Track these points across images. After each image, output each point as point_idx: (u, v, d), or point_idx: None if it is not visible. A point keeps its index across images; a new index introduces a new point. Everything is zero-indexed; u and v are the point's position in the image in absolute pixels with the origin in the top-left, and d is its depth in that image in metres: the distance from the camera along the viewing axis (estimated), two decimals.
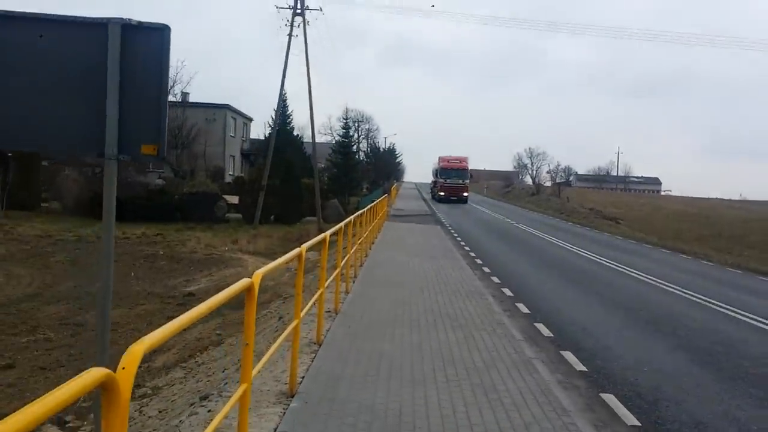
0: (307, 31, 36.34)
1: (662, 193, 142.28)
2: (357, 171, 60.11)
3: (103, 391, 2.24)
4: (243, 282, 4.12)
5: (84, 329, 14.64)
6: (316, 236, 29.85)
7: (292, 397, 6.32)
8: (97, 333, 5.19)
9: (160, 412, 8.11)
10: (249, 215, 38.12)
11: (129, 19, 4.22)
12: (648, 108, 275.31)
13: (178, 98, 53.20)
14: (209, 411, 6.24)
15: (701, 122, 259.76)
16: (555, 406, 6.61)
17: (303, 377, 6.92)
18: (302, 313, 6.73)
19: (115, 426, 2.23)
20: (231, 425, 5.11)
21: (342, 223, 11.82)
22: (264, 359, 5.04)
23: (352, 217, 14.87)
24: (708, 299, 14.78)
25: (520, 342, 9.40)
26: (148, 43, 4.25)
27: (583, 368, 8.53)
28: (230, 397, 6.16)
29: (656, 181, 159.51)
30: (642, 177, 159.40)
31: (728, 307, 13.87)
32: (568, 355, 9.11)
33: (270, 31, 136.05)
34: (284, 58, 36.12)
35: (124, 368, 2.37)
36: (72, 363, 11.86)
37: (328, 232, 9.45)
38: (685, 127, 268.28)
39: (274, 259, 21.67)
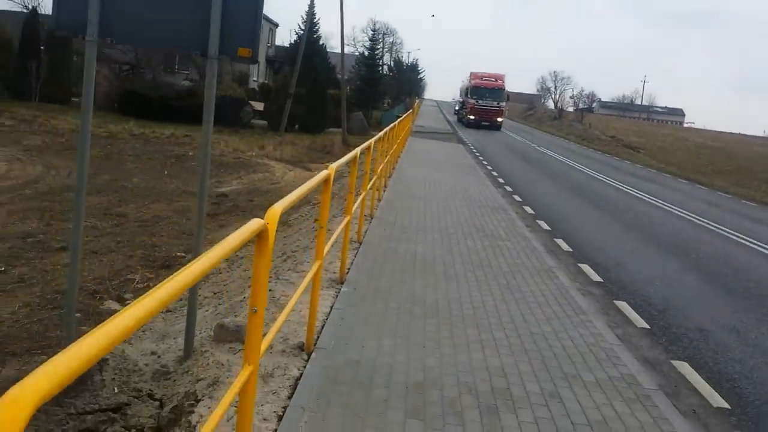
0: None
1: (685, 125, 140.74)
2: (381, 84, 59.85)
3: (258, 238, 2.95)
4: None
5: (126, 219, 15.51)
6: (341, 147, 30.60)
7: (342, 284, 7.11)
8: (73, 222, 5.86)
9: (214, 293, 8.96)
10: (274, 122, 38.58)
11: None
12: (679, 38, 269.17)
13: None
14: (270, 290, 7.03)
15: (731, 57, 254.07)
16: (573, 307, 7.37)
17: (349, 269, 7.70)
18: (350, 216, 7.44)
19: (263, 258, 2.96)
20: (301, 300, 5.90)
21: (373, 139, 12.37)
22: (329, 244, 5.77)
23: (381, 133, 15.41)
24: (721, 227, 15.42)
25: (541, 253, 10.13)
26: None
27: (599, 279, 9.28)
28: (287, 279, 6.97)
29: (680, 113, 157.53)
30: (666, 108, 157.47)
31: (740, 235, 14.52)
32: (586, 268, 9.85)
33: None
34: None
35: (268, 223, 3.05)
36: (121, 249, 12.72)
37: (358, 149, 9.91)
38: (714, 61, 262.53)
39: (300, 166, 22.50)
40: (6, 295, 9.87)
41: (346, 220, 7.10)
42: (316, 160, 29.88)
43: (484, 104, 51.84)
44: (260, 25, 4.92)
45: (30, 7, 42.98)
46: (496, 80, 53.51)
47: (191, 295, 5.52)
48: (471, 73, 55.91)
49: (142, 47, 35.01)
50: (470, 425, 4.30)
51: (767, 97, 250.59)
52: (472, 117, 52.63)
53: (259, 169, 26.50)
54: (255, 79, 58.53)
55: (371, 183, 10.80)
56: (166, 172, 23.41)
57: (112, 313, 8.91)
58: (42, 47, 38.03)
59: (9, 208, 15.51)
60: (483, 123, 51.56)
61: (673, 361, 6.36)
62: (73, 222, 5.50)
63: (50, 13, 4.93)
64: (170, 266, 11.95)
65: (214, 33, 4.80)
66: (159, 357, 5.34)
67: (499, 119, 52.68)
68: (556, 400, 4.82)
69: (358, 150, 7.48)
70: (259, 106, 42.19)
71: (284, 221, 15.61)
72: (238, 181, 23.42)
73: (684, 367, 6.22)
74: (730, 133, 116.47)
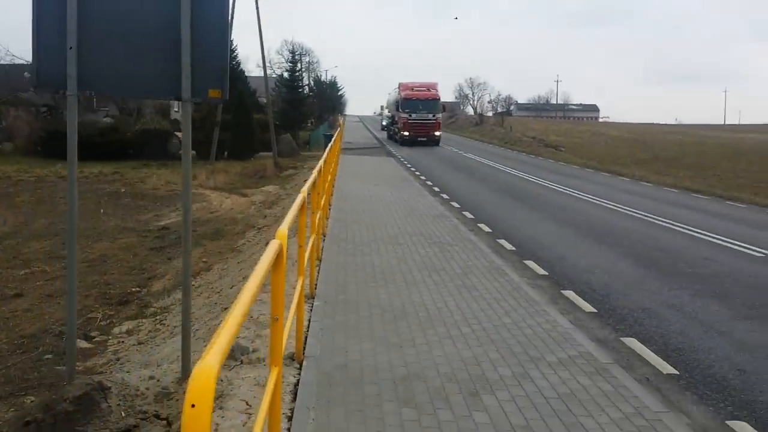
0: None
1: (600, 120, 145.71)
2: (304, 105, 60.22)
3: (277, 256, 3.41)
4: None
5: None
6: (273, 170, 30.56)
7: (313, 298, 7.55)
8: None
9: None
10: (202, 152, 38.45)
11: None
12: (587, 36, 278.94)
13: None
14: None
15: (636, 50, 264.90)
16: (526, 299, 8.00)
17: (316, 285, 8.14)
18: (315, 234, 7.90)
19: (280, 272, 3.43)
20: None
21: (321, 160, 12.78)
22: (304, 261, 6.22)
23: (324, 153, 15.85)
24: (647, 214, 16.45)
25: (488, 254, 10.78)
26: (210, 3, 5.24)
27: (544, 272, 9.96)
28: (261, 299, 7.36)
29: (594, 108, 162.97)
30: (580, 104, 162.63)
31: (665, 220, 15.54)
32: (530, 263, 10.53)
33: None
34: None
35: (281, 243, 3.50)
36: (77, 291, 12.77)
37: (315, 170, 10.37)
38: (622, 56, 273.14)
39: (236, 193, 22.62)
40: None
41: (312, 237, 7.55)
42: (250, 186, 30.05)
43: (418, 118, 45.90)
44: (227, 66, 5.35)
45: None
46: (429, 90, 48.02)
47: (185, 319, 5.88)
48: (400, 84, 49.63)
49: (119, 97, 34.94)
50: (457, 407, 4.82)
51: (673, 86, 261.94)
52: (406, 134, 46.31)
53: (196, 199, 26.48)
54: (176, 110, 58.18)
55: (323, 201, 11.25)
56: (102, 211, 23.27)
57: (83, 351, 9.04)
58: None
59: None
60: (419, 139, 45.93)
61: (622, 338, 7.02)
62: (68, 266, 5.79)
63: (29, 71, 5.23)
64: (128, 302, 12.12)
65: (186, 78, 5.20)
66: (158, 381, 5.67)
67: (437, 133, 47.26)
68: (528, 380, 5.38)
69: (315, 173, 7.94)
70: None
71: (233, 247, 15.92)
72: (176, 213, 23.39)
73: (633, 343, 6.88)
74: (644, 123, 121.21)
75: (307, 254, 6.79)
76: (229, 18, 5.34)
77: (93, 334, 10.29)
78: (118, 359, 8.48)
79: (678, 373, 6.11)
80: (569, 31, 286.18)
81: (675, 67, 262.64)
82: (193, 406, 1.58)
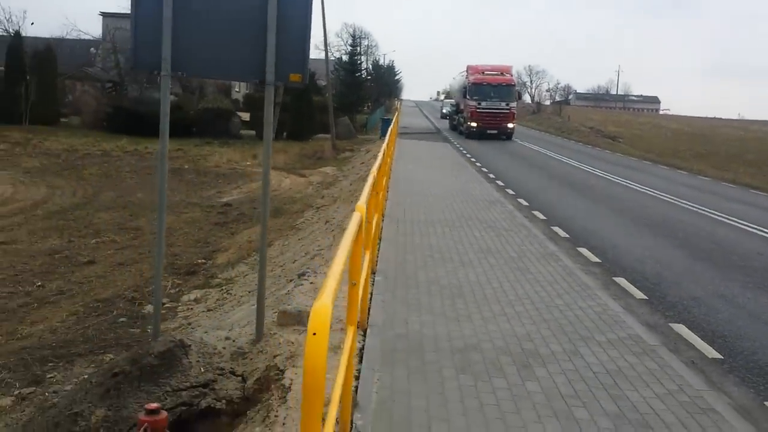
0: None
1: (661, 112, 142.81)
2: (363, 89, 60.76)
3: (359, 225, 3.81)
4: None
5: (141, 233, 16.25)
6: (331, 152, 31.22)
7: (374, 273, 7.97)
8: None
9: (249, 292, 9.78)
10: (262, 131, 39.36)
11: None
12: (651, 27, 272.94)
13: None
14: (311, 283, 7.87)
15: (702, 43, 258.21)
16: (579, 283, 8.29)
17: (376, 261, 8.55)
18: (378, 214, 8.30)
19: (358, 245, 3.83)
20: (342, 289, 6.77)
21: (384, 145, 13.14)
22: (372, 235, 6.62)
23: (384, 144, 16.19)
24: (703, 208, 16.44)
25: (542, 240, 11.05)
26: None
27: (597, 260, 10.19)
28: (325, 273, 7.82)
29: (655, 100, 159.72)
30: (641, 96, 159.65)
31: (721, 214, 15.53)
32: (584, 251, 10.77)
33: None
34: None
35: (359, 211, 3.90)
36: (145, 260, 13.47)
37: (380, 153, 10.73)
38: (685, 47, 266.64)
39: (294, 173, 23.34)
40: (52, 305, 10.65)
41: (376, 216, 7.96)
42: (308, 166, 30.70)
43: (489, 107, 39.03)
44: (308, 53, 5.77)
45: (12, 31, 43.41)
46: (502, 74, 40.83)
47: (260, 285, 6.35)
48: (468, 67, 42.65)
49: (208, 78, 36.30)
50: (510, 377, 5.18)
51: (739, 81, 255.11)
52: (474, 125, 39.49)
53: (255, 178, 27.21)
54: (237, 90, 59.30)
55: (383, 183, 11.64)
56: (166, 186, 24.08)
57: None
58: (27, 69, 38.62)
59: (27, 228, 16.22)
60: (489, 131, 39.31)
61: (671, 324, 7.27)
62: (157, 233, 6.30)
63: (128, 53, 5.71)
64: (195, 272, 12.75)
65: (270, 62, 5.65)
66: (233, 341, 6.17)
67: (510, 125, 40.13)
68: (577, 356, 5.71)
69: (380, 157, 8.33)
70: (245, 116, 42.96)
71: (292, 225, 16.47)
72: (237, 190, 24.19)
73: (681, 329, 7.12)
74: (705, 117, 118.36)
75: (373, 231, 7.20)
76: (312, 10, 5.74)
77: (164, 300, 10.89)
78: (189, 324, 9.06)
79: (722, 357, 6.35)
80: (632, 20, 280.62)
81: (740, 62, 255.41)
82: (314, 334, 1.99)
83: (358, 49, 66.43)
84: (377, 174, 8.56)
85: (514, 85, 41.04)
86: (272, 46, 5.62)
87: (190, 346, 5.92)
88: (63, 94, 43.18)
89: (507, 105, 39.34)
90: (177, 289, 11.57)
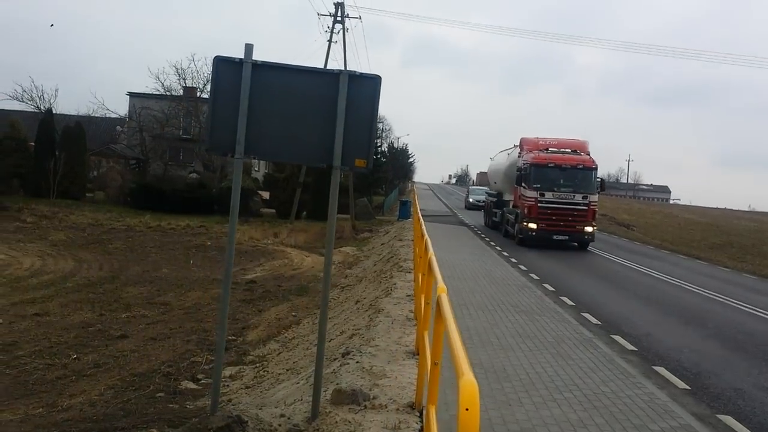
0: (346, 37, 38.17)
1: (671, 202, 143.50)
2: (381, 171, 61.67)
3: (437, 306, 3.99)
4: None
5: (170, 308, 16.40)
6: (350, 232, 31.59)
7: (417, 355, 8.06)
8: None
9: (287, 370, 9.85)
10: (282, 210, 39.88)
11: (354, 71, 5.99)
12: (661, 118, 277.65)
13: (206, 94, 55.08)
14: (357, 362, 7.96)
15: (712, 134, 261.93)
16: (621, 371, 8.34)
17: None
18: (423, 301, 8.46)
19: (440, 326, 3.98)
20: (380, 368, 6.85)
21: (425, 235, 13.40)
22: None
23: (422, 227, 16.49)
24: (729, 298, 16.47)
25: (576, 325, 11.13)
26: (364, 86, 6.00)
27: (633, 348, 10.23)
28: (369, 353, 7.92)
29: (665, 190, 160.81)
30: (651, 185, 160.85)
31: (747, 305, 15.56)
32: (618, 338, 10.80)
33: (301, 33, 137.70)
34: (324, 62, 37.92)
35: (444, 295, 4.08)
36: (176, 335, 13.58)
37: (429, 244, 10.83)
38: (695, 138, 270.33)
39: (315, 252, 23.47)
40: (89, 378, 10.73)
41: (423, 297, 8.12)
42: (323, 246, 30.95)
43: (558, 200, 26.45)
44: (374, 140, 6.07)
45: (42, 108, 44.76)
46: (577, 152, 27.79)
47: (318, 363, 6.46)
48: (522, 141, 29.56)
49: (278, 161, 37.35)
50: None
51: (748, 171, 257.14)
52: (533, 225, 26.61)
53: (277, 256, 27.53)
54: (256, 169, 60.35)
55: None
56: (192, 262, 24.39)
57: (192, 391, 9.67)
58: (56, 145, 39.63)
59: (59, 301, 16.42)
60: (556, 237, 26.78)
61: (718, 415, 7.28)
62: (222, 291, 6.46)
63: (204, 137, 6.00)
64: (227, 349, 12.78)
65: (338, 148, 5.94)
66: (288, 418, 6.23)
67: (589, 229, 27.04)
68: None
69: (430, 251, 8.52)
70: (265, 195, 43.61)
71: (318, 303, 16.55)
72: (260, 268, 24.40)
73: (729, 420, 7.14)
74: (716, 207, 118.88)
75: (433, 309, 7.36)
76: (379, 99, 6.08)
77: (199, 376, 10.97)
78: (229, 401, 9.09)
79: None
80: (641, 109, 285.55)
81: (749, 153, 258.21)
82: (467, 409, 2.15)
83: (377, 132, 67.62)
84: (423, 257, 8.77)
85: (594, 169, 27.05)
86: (340, 134, 5.92)
87: (247, 422, 6.00)
88: (89, 170, 44.12)
89: (584, 198, 26.47)
90: (211, 365, 11.61)
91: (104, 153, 47.57)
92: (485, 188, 47.73)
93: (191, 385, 10.52)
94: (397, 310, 10.70)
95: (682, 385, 8.39)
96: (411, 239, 23.09)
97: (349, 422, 5.87)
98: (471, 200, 57.03)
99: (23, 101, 46.16)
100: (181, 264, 23.90)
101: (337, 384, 7.15)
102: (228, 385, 10.35)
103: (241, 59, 5.90)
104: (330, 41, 37.40)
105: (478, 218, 45.71)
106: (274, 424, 6.15)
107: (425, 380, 6.52)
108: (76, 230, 30.06)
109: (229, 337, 13.82)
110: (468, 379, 2.24)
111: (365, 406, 6.16)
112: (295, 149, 6.11)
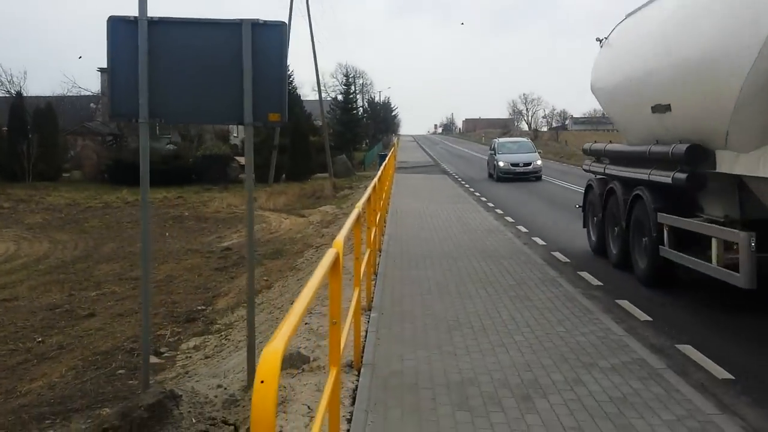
0: None
1: None
2: (359, 126, 61.13)
3: (334, 262, 3.71)
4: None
5: (141, 282, 16.15)
6: (330, 191, 31.24)
7: (370, 310, 7.85)
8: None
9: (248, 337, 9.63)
10: (261, 175, 39.36)
11: (257, 19, 5.62)
12: None
13: None
14: (306, 324, 7.74)
15: None
16: (580, 308, 8.13)
17: (372, 297, 8.43)
18: (369, 249, 8.22)
19: (338, 279, 3.72)
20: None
21: (375, 179, 13.11)
22: (361, 272, 6.53)
23: (378, 172, 16.19)
24: None
25: (542, 266, 10.91)
26: (270, 35, 5.65)
27: (599, 283, 10.03)
28: (320, 312, 7.70)
29: None
30: None
31: None
32: (585, 274, 10.60)
33: None
34: (287, 17, 37.11)
35: (338, 252, 3.80)
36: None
37: (370, 186, 10.45)
38: None
39: (294, 213, 23.22)
40: (51, 361, 10.53)
41: (368, 252, 7.86)
42: (308, 206, 30.68)
43: None
44: (285, 92, 5.74)
45: (13, 92, 44.09)
46: None
47: (250, 330, 6.24)
48: None
49: (187, 124, 36.37)
50: (510, 411, 5.02)
51: None
52: None
53: (256, 220, 27.03)
54: (235, 135, 59.68)
55: (377, 218, 11.55)
56: (167, 234, 24.10)
57: (153, 366, 9.49)
58: (28, 126, 39.03)
59: (29, 284, 16.15)
60: None
61: (678, 345, 7.08)
62: (142, 281, 6.20)
63: (107, 102, 5.68)
64: (194, 319, 12.61)
65: (248, 104, 5.61)
66: (225, 389, 6.04)
67: None
68: (580, 385, 5.54)
69: (370, 189, 8.26)
70: (243, 160, 43.12)
71: (292, 266, 16.37)
72: (237, 234, 24.09)
73: (688, 349, 6.90)
74: None
75: (363, 267, 7.10)
76: (287, 48, 5.72)
77: (162, 350, 10.77)
78: (186, 372, 8.90)
79: (733, 378, 6.17)
80: None
81: None
82: (262, 382, 1.88)
83: (353, 88, 66.93)
84: (368, 208, 8.48)
85: None
86: (249, 88, 5.59)
87: (181, 396, 5.79)
88: (65, 150, 43.51)
89: None
90: (176, 338, 11.43)
91: (79, 132, 46.89)
92: (523, 140, 36.97)
93: (154, 359, 10.28)
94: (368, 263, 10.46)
95: (644, 317, 8.19)
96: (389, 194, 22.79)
97: (284, 387, 5.65)
98: (502, 164, 30.95)
99: None
100: (158, 237, 23.57)
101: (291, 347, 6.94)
102: (191, 356, 10.17)
103: (136, 17, 5.52)
104: None
105: (463, 167, 45.39)
106: (210, 395, 5.95)
107: (362, 339, 6.32)
108: (53, 212, 29.69)
109: (199, 307, 13.64)
110: (271, 349, 1.97)
111: (303, 369, 5.95)
112: (203, 109, 5.80)
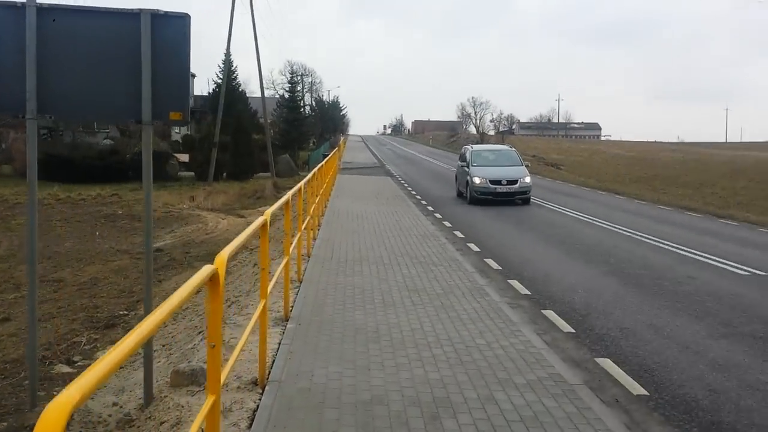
0: None
1: (602, 139, 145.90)
2: (305, 125, 60.47)
3: (210, 282, 3.38)
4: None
5: (64, 284, 15.49)
6: (271, 191, 30.65)
7: (287, 321, 7.53)
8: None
9: (163, 346, 9.21)
10: (201, 173, 38.69)
11: (157, 10, 5.25)
12: (591, 56, 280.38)
13: None
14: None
15: (641, 69, 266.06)
16: (504, 319, 7.96)
17: (292, 306, 8.11)
18: (288, 256, 7.89)
19: (216, 300, 3.39)
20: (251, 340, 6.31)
21: (301, 183, 12.75)
22: (271, 284, 6.20)
23: (308, 176, 15.84)
24: (636, 232, 16.41)
25: (471, 273, 10.74)
26: (172, 27, 5.28)
27: (527, 292, 9.92)
28: (235, 322, 7.35)
29: (596, 127, 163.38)
30: (582, 123, 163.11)
31: (654, 238, 15.48)
32: (514, 283, 10.49)
33: None
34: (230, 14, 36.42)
35: (218, 268, 3.49)
36: (63, 314, 12.76)
37: (291, 192, 10.06)
38: (625, 75, 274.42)
39: (233, 214, 22.71)
40: None
41: (285, 260, 7.55)
42: (248, 207, 30.14)
43: None
44: (188, 89, 5.38)
45: None
46: None
47: (146, 346, 5.85)
48: None
49: (80, 121, 35.02)
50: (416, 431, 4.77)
51: (675, 105, 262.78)
52: None
53: (192, 220, 26.59)
54: (177, 131, 58.48)
55: (305, 223, 11.23)
56: (97, 233, 23.31)
57: (63, 376, 9.02)
58: None
59: None
60: None
61: (597, 359, 6.97)
62: (28, 293, 5.76)
63: None
64: (114, 325, 12.08)
65: (146, 101, 5.24)
66: (121, 407, 5.65)
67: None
68: (491, 403, 5.34)
69: (288, 195, 7.94)
70: (184, 157, 42.25)
71: (241, 261, 15.89)
72: (171, 234, 23.48)
73: (606, 363, 6.83)
74: (646, 141, 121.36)
75: (275, 277, 6.78)
76: (189, 42, 5.35)
77: (75, 358, 10.26)
78: None
79: (648, 393, 6.05)
80: (573, 49, 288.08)
81: (678, 87, 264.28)
82: None
83: (299, 86, 66.30)
84: (287, 212, 8.15)
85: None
86: (148, 83, 5.22)
87: (72, 415, 5.37)
88: None
89: None
90: (92, 345, 10.92)
91: (11, 124, 45.21)
92: (504, 147, 29.21)
93: (65, 369, 9.80)
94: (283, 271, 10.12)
95: (567, 328, 8.09)
96: (327, 195, 22.45)
97: (182, 407, 5.31)
98: (478, 182, 23.37)
99: None
100: (87, 236, 22.82)
101: (189, 361, 6.59)
102: None
103: (23, 3, 5.10)
104: None
105: (408, 170, 45.32)
106: (104, 414, 5.56)
107: (268, 353, 5.99)
108: None
109: (121, 312, 13.09)
110: (58, 405, 1.63)
111: (204, 387, 5.59)
112: (98, 105, 5.39)
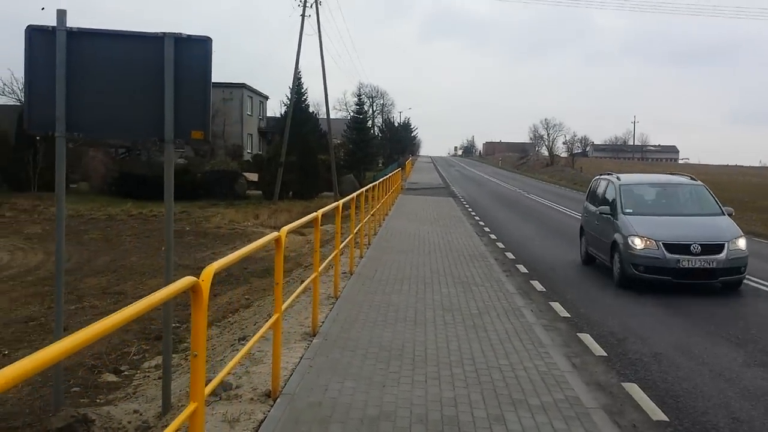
0: (326, 6, 37.40)
1: (680, 162, 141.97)
2: (372, 146, 61.09)
3: (192, 293, 3.52)
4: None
5: (124, 297, 16.05)
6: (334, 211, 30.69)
7: (314, 336, 7.65)
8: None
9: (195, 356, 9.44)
10: (268, 192, 39.49)
11: (180, 33, 5.50)
12: (669, 77, 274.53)
13: None
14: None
15: (721, 91, 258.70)
16: (534, 341, 7.88)
17: (323, 322, 8.24)
18: (320, 268, 8.03)
19: (200, 310, 3.53)
20: (267, 354, 6.45)
21: (354, 194, 13.02)
22: (290, 299, 6.34)
23: (363, 189, 16.09)
24: None
25: (512, 294, 10.66)
26: (194, 50, 5.52)
27: (567, 315, 9.78)
28: (266, 337, 7.51)
29: (674, 150, 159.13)
30: (659, 146, 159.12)
31: None
32: (555, 305, 10.36)
33: (285, 8, 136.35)
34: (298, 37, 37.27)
35: (203, 280, 3.63)
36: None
37: (341, 201, 10.56)
38: (705, 96, 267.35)
39: (294, 232, 22.90)
40: None
41: (313, 276, 7.68)
42: (310, 225, 30.54)
43: None
44: (209, 109, 5.60)
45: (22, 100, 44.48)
46: None
47: (165, 358, 6.06)
48: None
49: (105, 139, 36.27)
50: None
51: (759, 128, 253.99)
52: None
53: (254, 237, 27.07)
54: (249, 151, 59.89)
55: (345, 242, 11.38)
56: (162, 248, 24.02)
57: (109, 384, 9.34)
58: (38, 137, 39.30)
59: (11, 296, 16.09)
60: None
61: (624, 383, 6.82)
62: (56, 303, 6.05)
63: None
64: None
65: (169, 120, 5.48)
66: (141, 414, 5.85)
67: None
68: (500, 423, 5.31)
69: (318, 213, 8.11)
70: (253, 176, 43.19)
71: (266, 287, 16.19)
72: (232, 250, 23.98)
73: (633, 388, 6.67)
74: (726, 165, 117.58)
75: (296, 293, 6.91)
76: (211, 64, 5.58)
77: (123, 368, 10.61)
78: (134, 393, 8.73)
79: (668, 419, 5.90)
80: (654, 71, 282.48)
81: (761, 108, 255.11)
82: None
83: (366, 107, 67.10)
84: (315, 229, 8.30)
85: None
86: (170, 103, 5.46)
87: (93, 420, 5.63)
88: (75, 160, 43.80)
89: None
90: (141, 356, 11.28)
91: (91, 143, 47.21)
92: (684, 180, 15.07)
93: (112, 378, 10.16)
94: (322, 288, 10.27)
95: (600, 352, 7.95)
96: (383, 214, 22.64)
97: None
98: (640, 247, 11.85)
99: (4, 94, 45.92)
100: (153, 251, 23.56)
101: (214, 373, 6.76)
102: (149, 376, 10.00)
103: (54, 27, 5.42)
104: (303, 15, 36.65)
105: (471, 190, 45.19)
106: (124, 421, 5.77)
107: (289, 367, 6.12)
108: (54, 222, 29.69)
109: (173, 325, 13.46)
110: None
111: (221, 397, 5.75)
112: (123, 124, 5.67)
